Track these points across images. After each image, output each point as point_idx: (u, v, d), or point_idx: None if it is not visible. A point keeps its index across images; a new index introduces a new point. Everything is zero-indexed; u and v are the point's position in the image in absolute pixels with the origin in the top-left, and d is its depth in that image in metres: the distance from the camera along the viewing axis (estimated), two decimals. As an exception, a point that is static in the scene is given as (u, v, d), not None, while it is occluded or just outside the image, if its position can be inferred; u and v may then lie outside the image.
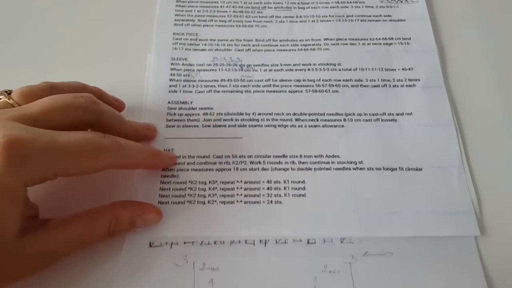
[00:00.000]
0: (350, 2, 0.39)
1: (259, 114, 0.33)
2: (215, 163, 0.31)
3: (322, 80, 0.34)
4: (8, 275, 0.23)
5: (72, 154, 0.24)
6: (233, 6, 0.38)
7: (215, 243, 0.28)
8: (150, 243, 0.28)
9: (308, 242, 0.28)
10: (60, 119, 0.25)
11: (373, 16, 0.38)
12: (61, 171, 0.24)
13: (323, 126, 0.33)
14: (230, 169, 0.31)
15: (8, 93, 0.27)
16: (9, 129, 0.22)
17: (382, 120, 0.33)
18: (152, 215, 0.28)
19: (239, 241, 0.28)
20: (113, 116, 0.28)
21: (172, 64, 0.35)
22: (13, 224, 0.22)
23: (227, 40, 0.36)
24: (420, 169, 0.31)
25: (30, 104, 0.25)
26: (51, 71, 0.35)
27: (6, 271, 0.23)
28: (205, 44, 0.36)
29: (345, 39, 0.37)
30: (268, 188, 0.30)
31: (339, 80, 0.34)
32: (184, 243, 0.28)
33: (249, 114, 0.33)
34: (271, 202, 0.29)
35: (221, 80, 0.34)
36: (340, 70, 0.35)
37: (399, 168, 0.31)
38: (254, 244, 0.28)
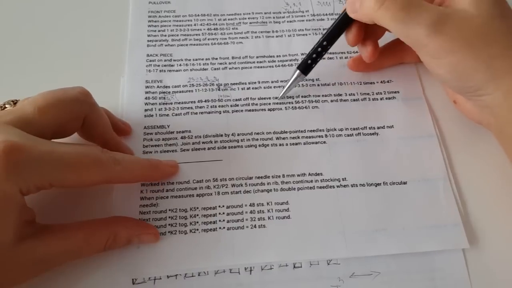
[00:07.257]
0: (326, 15, 0.38)
1: (239, 134, 0.32)
2: (195, 188, 0.30)
3: (302, 96, 0.34)
4: (2, 281, 0.23)
5: (70, 165, 0.24)
6: (207, 24, 0.38)
7: (199, 274, 0.27)
8: (133, 280, 0.27)
9: (294, 266, 0.28)
10: (55, 116, 0.26)
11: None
12: (56, 181, 0.24)
13: (304, 144, 0.32)
14: (211, 194, 0.30)
15: (14, 102, 0.27)
16: (8, 135, 0.23)
17: (363, 134, 0.32)
18: (149, 236, 0.28)
19: (224, 271, 0.27)
20: (102, 113, 0.29)
21: (146, 87, 0.34)
22: (8, 230, 0.22)
23: (202, 59, 0.36)
24: (405, 183, 0.30)
25: (24, 105, 0.25)
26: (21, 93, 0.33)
27: (0, 276, 0.23)
28: (180, 65, 0.35)
29: (322, 53, 0.36)
30: (251, 212, 0.29)
31: (319, 96, 0.34)
32: (168, 277, 0.27)
33: (228, 135, 0.32)
34: (255, 226, 0.29)
35: (198, 101, 0.33)
36: (319, 85, 0.34)
37: (383, 183, 0.30)
38: (239, 272, 0.27)
